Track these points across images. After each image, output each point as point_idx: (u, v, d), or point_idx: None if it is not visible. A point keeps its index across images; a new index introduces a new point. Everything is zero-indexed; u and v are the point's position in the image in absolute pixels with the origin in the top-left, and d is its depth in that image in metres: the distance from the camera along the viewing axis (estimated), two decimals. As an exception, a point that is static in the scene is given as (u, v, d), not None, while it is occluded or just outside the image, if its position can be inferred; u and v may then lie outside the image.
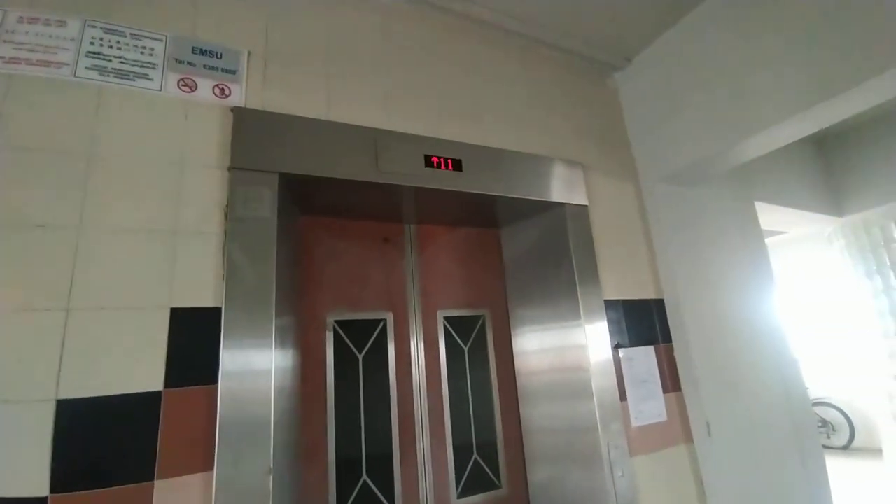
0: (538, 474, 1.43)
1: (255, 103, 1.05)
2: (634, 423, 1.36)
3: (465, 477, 1.37)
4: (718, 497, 1.37)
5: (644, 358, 1.46)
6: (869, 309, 2.83)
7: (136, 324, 0.83)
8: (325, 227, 1.35)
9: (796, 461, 1.59)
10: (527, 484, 1.45)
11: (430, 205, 1.36)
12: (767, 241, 2.05)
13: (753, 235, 1.92)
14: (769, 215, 2.20)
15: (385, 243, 1.44)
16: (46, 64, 0.88)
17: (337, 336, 1.29)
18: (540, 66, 1.58)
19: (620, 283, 1.48)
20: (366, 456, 1.25)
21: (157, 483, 0.79)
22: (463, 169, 1.26)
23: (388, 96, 1.24)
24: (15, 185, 0.81)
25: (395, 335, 1.38)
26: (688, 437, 1.44)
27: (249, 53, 1.08)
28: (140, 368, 0.82)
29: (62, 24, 0.91)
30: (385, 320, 1.37)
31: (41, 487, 0.72)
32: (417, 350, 1.40)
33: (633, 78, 1.71)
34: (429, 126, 1.27)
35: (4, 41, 0.87)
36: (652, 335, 1.51)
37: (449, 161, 1.24)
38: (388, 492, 1.25)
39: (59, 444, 0.74)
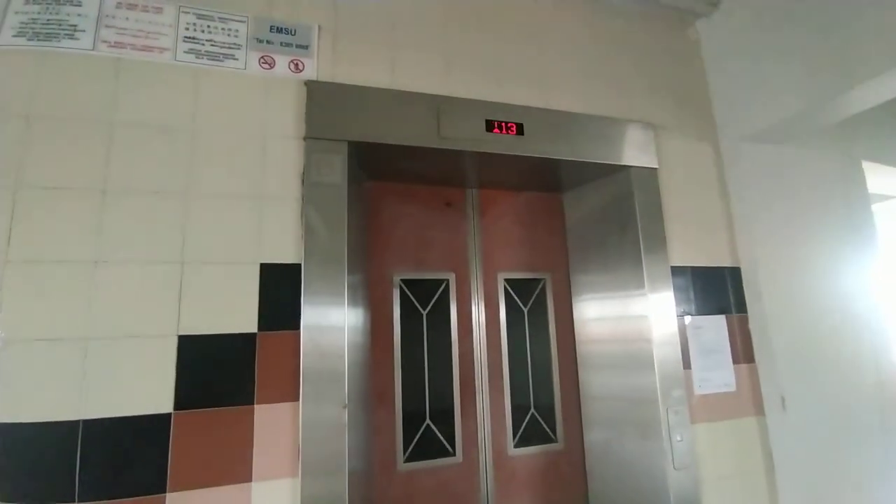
0: (595, 433, 1.46)
1: (326, 76, 1.12)
2: (698, 390, 1.33)
3: (521, 429, 1.45)
4: (788, 472, 1.32)
5: (713, 327, 1.40)
6: None
7: (235, 275, 0.97)
8: (391, 191, 1.43)
9: (879, 443, 1.46)
10: (583, 440, 1.49)
11: (491, 170, 1.38)
12: (875, 206, 1.80)
13: (858, 199, 1.70)
14: (879, 177, 1.92)
15: (448, 207, 1.50)
16: (150, 49, 1.00)
17: (403, 293, 1.39)
18: (609, 22, 1.49)
19: (691, 249, 1.41)
20: (429, 404, 1.36)
21: (257, 406, 0.94)
22: (525, 133, 1.26)
23: (449, 63, 1.25)
24: (132, 156, 0.96)
25: (457, 295, 1.45)
26: (759, 410, 1.39)
27: (320, 28, 1.14)
28: (239, 313, 0.96)
29: (159, 10, 1.03)
30: (448, 280, 1.45)
31: (167, 405, 0.89)
32: (478, 309, 1.47)
33: (719, 25, 1.55)
34: (490, 91, 1.27)
35: (107, 26, 0.98)
36: (724, 304, 1.44)
37: (511, 125, 1.25)
38: (450, 436, 1.36)
39: (181, 371, 0.91)
